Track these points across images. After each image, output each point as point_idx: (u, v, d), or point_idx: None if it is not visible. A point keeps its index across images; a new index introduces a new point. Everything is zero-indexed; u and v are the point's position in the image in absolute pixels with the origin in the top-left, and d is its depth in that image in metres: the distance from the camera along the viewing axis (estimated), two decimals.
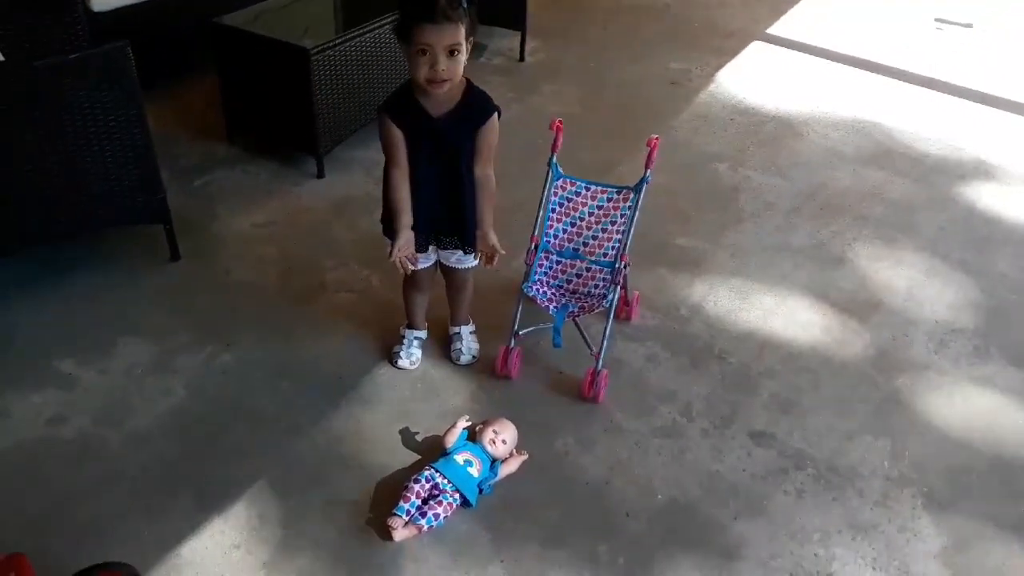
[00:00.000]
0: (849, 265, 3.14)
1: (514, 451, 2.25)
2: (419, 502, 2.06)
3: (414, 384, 2.52)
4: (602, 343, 2.44)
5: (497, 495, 2.18)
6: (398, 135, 2.12)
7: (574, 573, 2.00)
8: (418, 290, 2.52)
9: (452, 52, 1.96)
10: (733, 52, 4.97)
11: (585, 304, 2.48)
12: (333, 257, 3.03)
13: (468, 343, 2.59)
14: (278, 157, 3.60)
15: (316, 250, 3.08)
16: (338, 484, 2.19)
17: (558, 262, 2.57)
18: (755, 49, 5.06)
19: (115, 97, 2.58)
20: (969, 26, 5.56)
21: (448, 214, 2.25)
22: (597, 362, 2.45)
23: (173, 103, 3.92)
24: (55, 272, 2.86)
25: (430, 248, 2.34)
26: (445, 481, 2.10)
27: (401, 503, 2.04)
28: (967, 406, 2.54)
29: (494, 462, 2.20)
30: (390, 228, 2.23)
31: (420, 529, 2.03)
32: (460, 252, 2.34)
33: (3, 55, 2.78)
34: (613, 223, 2.54)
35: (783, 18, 5.55)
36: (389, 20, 3.47)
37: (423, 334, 2.61)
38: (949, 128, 4.19)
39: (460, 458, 2.15)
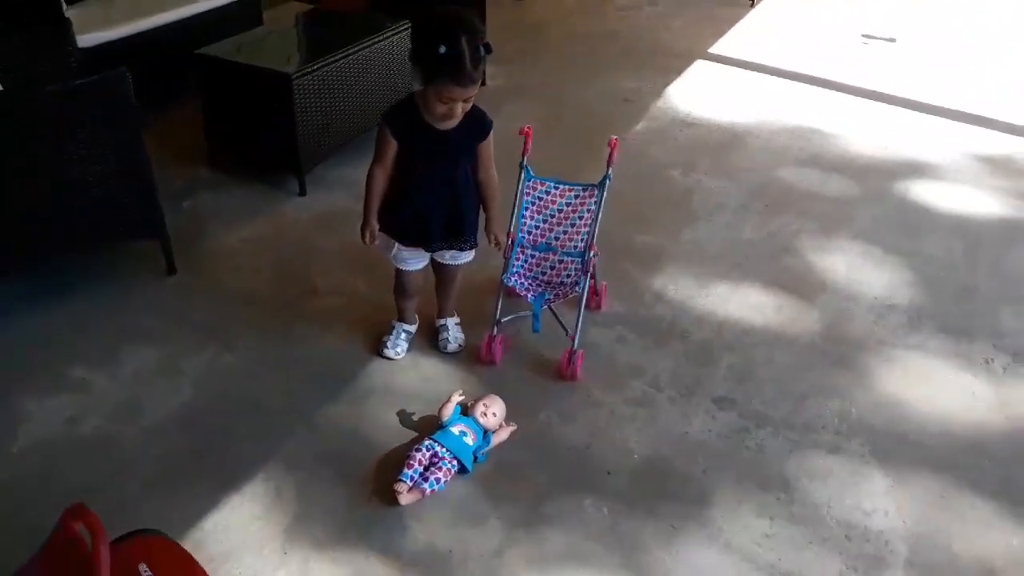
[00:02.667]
0: (795, 253, 3.44)
1: (503, 423, 2.48)
2: (421, 469, 2.27)
3: (406, 373, 2.73)
4: (576, 326, 2.69)
5: (490, 462, 2.40)
6: (393, 145, 2.37)
7: (563, 524, 2.23)
8: (410, 295, 2.73)
9: (468, 99, 2.25)
10: (679, 70, 5.32)
11: (559, 292, 2.73)
12: (320, 265, 3.25)
13: (454, 333, 2.82)
14: (261, 178, 3.81)
15: (304, 260, 3.29)
16: (344, 460, 2.40)
17: (533, 255, 2.82)
18: (700, 67, 5.41)
19: (115, 120, 2.79)
20: (893, 40, 6.01)
21: (446, 217, 2.49)
22: (573, 343, 2.69)
23: (156, 131, 4.09)
24: (60, 287, 3.03)
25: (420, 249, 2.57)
26: (443, 450, 2.32)
27: (405, 470, 2.25)
28: (904, 368, 2.83)
29: (486, 433, 2.42)
30: (386, 225, 2.49)
31: (423, 493, 2.24)
32: (455, 250, 2.58)
33: (2, 85, 2.98)
34: (581, 218, 2.80)
35: (724, 38, 5.94)
36: (366, 45, 3.74)
37: (412, 328, 2.83)
38: (879, 131, 4.56)
39: (456, 429, 2.37)
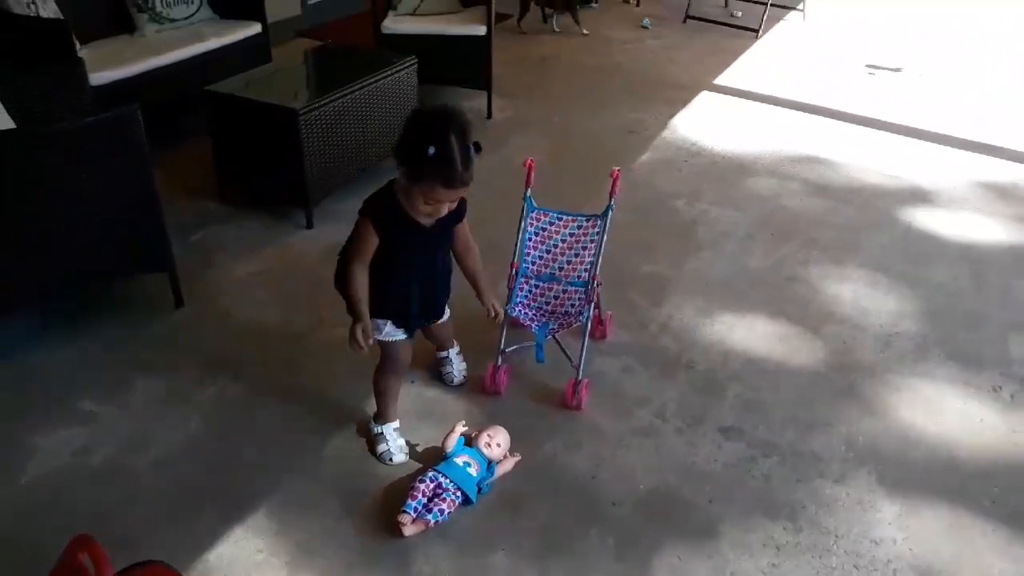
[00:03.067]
0: (800, 282, 3.44)
1: (508, 453, 2.48)
2: (425, 500, 2.27)
3: (412, 404, 2.73)
4: (580, 355, 2.70)
5: (494, 493, 2.40)
6: (375, 241, 2.19)
7: (568, 555, 2.21)
8: (399, 372, 2.50)
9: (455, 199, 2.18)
10: (684, 102, 5.37)
11: (564, 321, 2.74)
12: (327, 297, 3.22)
13: (457, 365, 2.82)
14: (269, 212, 3.85)
15: (311, 292, 3.31)
16: (350, 492, 2.40)
17: (537, 286, 2.84)
18: (704, 98, 5.46)
19: (126, 156, 2.84)
20: (898, 70, 6.05)
21: (425, 300, 2.42)
22: (578, 372, 2.69)
23: (165, 166, 4.15)
24: (69, 320, 3.06)
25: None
26: (447, 480, 2.31)
27: (409, 501, 2.24)
28: (912, 396, 2.82)
29: (490, 463, 2.42)
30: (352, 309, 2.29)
31: (427, 524, 2.23)
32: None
33: (14, 121, 3.03)
34: (584, 248, 2.82)
35: (728, 70, 6.00)
36: (372, 81, 3.80)
37: (397, 423, 2.57)
38: (884, 160, 4.58)
39: (460, 460, 2.37)
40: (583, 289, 2.78)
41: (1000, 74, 6.05)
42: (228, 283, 3.37)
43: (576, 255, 2.84)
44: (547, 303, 2.83)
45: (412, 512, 2.23)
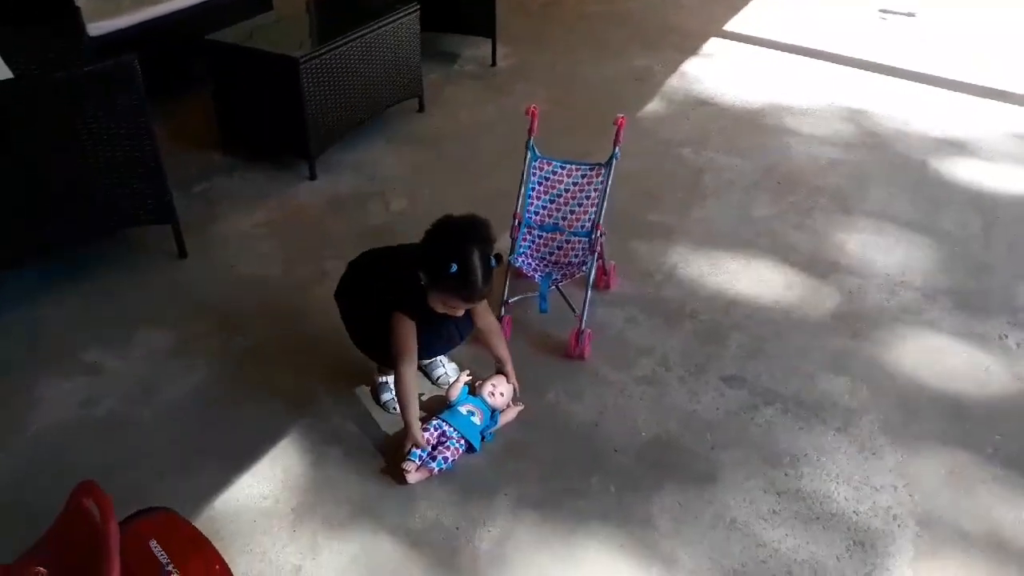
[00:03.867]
0: (807, 230, 3.41)
1: (511, 402, 2.49)
2: (429, 448, 2.28)
3: None
4: (583, 305, 2.69)
5: (498, 441, 2.41)
6: (414, 331, 2.24)
7: (569, 501, 2.23)
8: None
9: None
10: (693, 49, 5.27)
11: (567, 272, 2.73)
12: (331, 248, 3.26)
13: (448, 366, 2.69)
14: (272, 163, 3.83)
15: (314, 243, 3.31)
16: (353, 441, 2.42)
17: (540, 236, 2.82)
18: (713, 45, 5.36)
19: (124, 106, 2.81)
20: (912, 15, 5.91)
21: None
22: (580, 322, 2.69)
23: (167, 119, 4.14)
24: (73, 272, 3.07)
25: None
26: (451, 429, 2.33)
27: (413, 449, 2.26)
28: (917, 345, 2.81)
29: (494, 412, 2.43)
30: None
31: (431, 472, 2.26)
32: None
33: (12, 72, 3.01)
34: (588, 197, 2.80)
35: (738, 15, 5.87)
36: (374, 28, 3.74)
37: None
38: (894, 107, 4.50)
39: (463, 409, 2.39)
40: (587, 239, 2.76)
41: (1014, 18, 5.90)
42: (231, 235, 3.36)
43: (579, 204, 2.81)
44: (550, 253, 2.82)
45: (416, 460, 2.25)
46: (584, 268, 2.70)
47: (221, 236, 3.35)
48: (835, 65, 5.07)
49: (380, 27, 3.78)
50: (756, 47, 5.35)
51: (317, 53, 3.48)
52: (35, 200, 2.77)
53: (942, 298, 3.02)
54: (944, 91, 4.73)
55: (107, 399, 2.57)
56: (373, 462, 2.34)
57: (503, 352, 2.50)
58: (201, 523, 2.12)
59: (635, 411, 2.52)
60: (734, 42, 5.43)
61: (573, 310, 2.74)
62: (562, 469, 2.32)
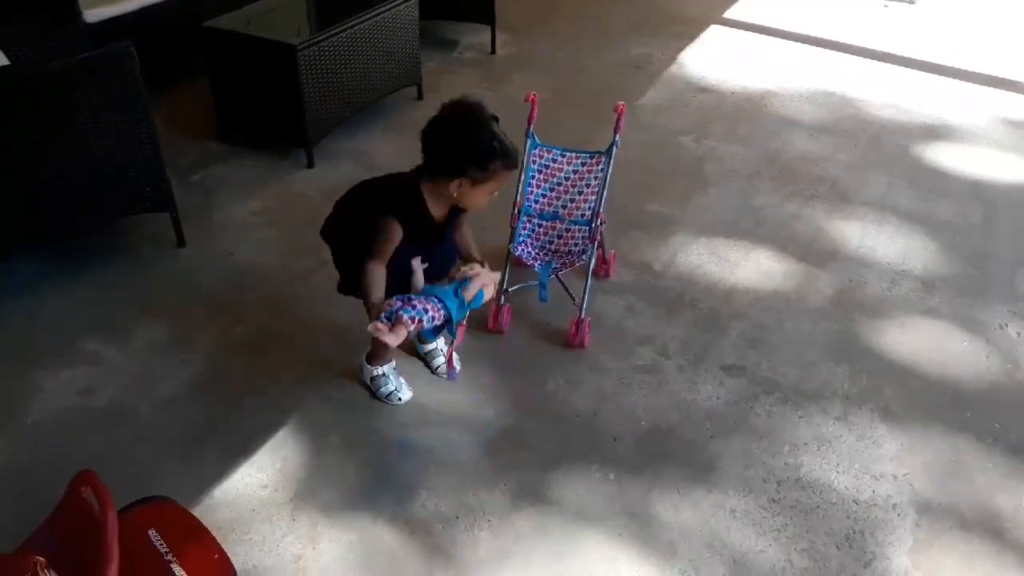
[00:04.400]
0: (807, 219, 3.40)
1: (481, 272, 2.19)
2: (396, 308, 2.01)
3: (414, 344, 2.73)
4: (583, 294, 2.68)
5: (495, 429, 2.41)
6: (398, 240, 2.16)
7: (569, 489, 2.23)
8: None
9: None
10: (692, 36, 5.24)
11: (567, 260, 2.72)
12: None
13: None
14: (270, 151, 3.81)
15: (313, 232, 3.23)
16: (352, 430, 2.41)
17: (540, 224, 2.81)
18: (713, 32, 5.34)
19: (122, 94, 2.79)
20: (912, 3, 5.88)
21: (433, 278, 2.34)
22: (580, 311, 2.68)
23: (164, 106, 4.11)
24: (72, 261, 3.06)
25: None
26: (422, 295, 2.09)
27: (381, 316, 2.01)
28: (917, 333, 2.80)
29: (468, 282, 2.14)
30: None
31: (407, 324, 1.98)
32: None
33: (8, 59, 2.99)
34: (588, 186, 2.78)
35: (738, 3, 5.84)
36: (373, 15, 3.72)
37: (394, 362, 2.55)
38: (896, 96, 4.48)
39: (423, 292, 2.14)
40: (587, 228, 2.75)
41: (1017, 7, 5.87)
42: (229, 223, 3.35)
43: (579, 193, 2.80)
44: (550, 242, 2.80)
45: (385, 320, 2.00)
46: (584, 257, 2.69)
47: (219, 225, 3.34)
48: (836, 53, 5.05)
49: (379, 14, 3.76)
50: (757, 35, 5.32)
51: (315, 40, 3.46)
52: (32, 189, 2.75)
53: (942, 287, 3.01)
54: (945, 79, 4.72)
55: (106, 388, 2.56)
56: (372, 450, 2.34)
57: (476, 255, 2.32)
58: (200, 512, 2.12)
59: (634, 400, 2.52)
60: (734, 30, 5.41)
61: (573, 299, 2.73)
62: (561, 458, 2.32)
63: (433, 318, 2.05)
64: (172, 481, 2.22)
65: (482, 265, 2.21)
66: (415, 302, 2.04)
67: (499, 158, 2.12)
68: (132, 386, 2.57)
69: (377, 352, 2.51)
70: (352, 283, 2.29)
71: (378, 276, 2.13)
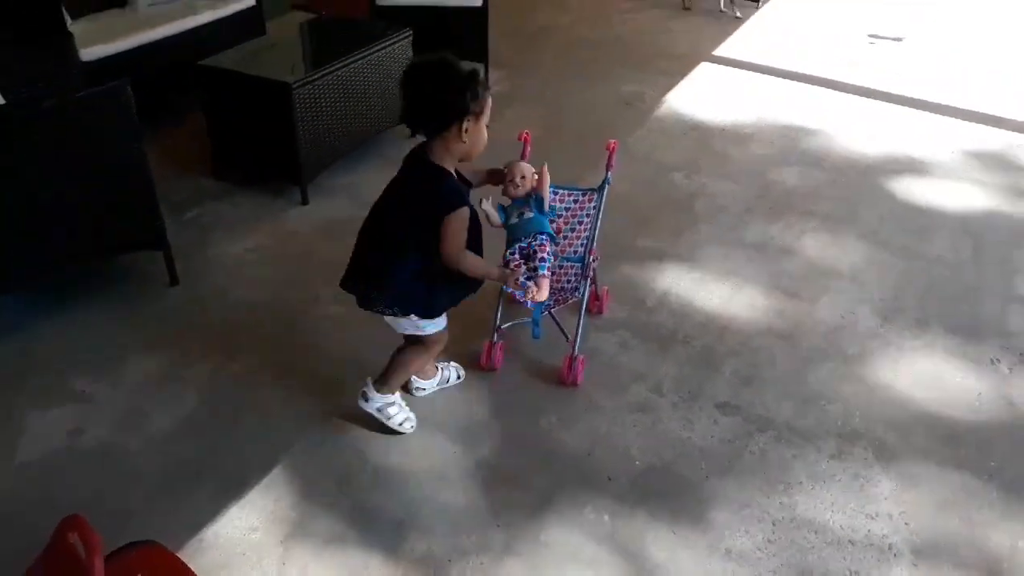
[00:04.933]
0: (798, 255, 3.42)
1: (535, 175, 2.47)
2: (523, 272, 2.35)
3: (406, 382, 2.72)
4: (576, 331, 2.68)
5: (488, 468, 2.40)
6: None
7: (564, 531, 2.21)
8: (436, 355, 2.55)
9: None
10: (682, 73, 5.30)
11: (559, 297, 2.72)
12: (323, 274, 3.23)
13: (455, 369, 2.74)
14: (264, 188, 3.82)
15: (307, 269, 3.29)
16: (344, 470, 2.39)
17: None
18: (703, 69, 5.40)
19: (116, 132, 2.82)
20: (899, 40, 5.97)
21: None
22: (573, 348, 2.68)
23: (159, 143, 4.12)
24: (63, 299, 3.05)
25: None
26: (526, 239, 2.41)
27: (515, 290, 2.34)
28: (911, 370, 2.80)
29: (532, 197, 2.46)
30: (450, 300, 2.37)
31: (545, 276, 2.36)
32: None
33: (3, 98, 3.00)
34: (581, 223, 2.79)
35: (728, 40, 5.92)
36: (367, 53, 3.75)
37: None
38: (885, 131, 4.53)
39: (515, 217, 2.46)
40: (579, 264, 2.76)
41: (1001, 43, 5.96)
42: (223, 261, 3.35)
43: (572, 229, 2.81)
44: None
45: (522, 292, 2.32)
46: (577, 294, 2.70)
47: (213, 262, 3.34)
48: (825, 89, 5.11)
49: (373, 52, 3.80)
50: (746, 72, 5.39)
51: (310, 78, 3.49)
52: (25, 226, 2.75)
53: (934, 322, 3.02)
54: (931, 115, 4.77)
55: (96, 428, 2.54)
56: (365, 491, 2.32)
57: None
58: (189, 555, 2.10)
59: (629, 438, 2.51)
60: (724, 67, 5.47)
61: (566, 336, 2.73)
62: (555, 498, 2.31)
63: (553, 254, 2.38)
64: (161, 523, 2.20)
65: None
66: (528, 251, 2.36)
67: (480, 81, 2.15)
68: (122, 425, 2.55)
69: (394, 383, 2.46)
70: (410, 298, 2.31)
71: (477, 257, 2.27)
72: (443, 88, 2.10)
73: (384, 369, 2.47)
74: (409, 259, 2.23)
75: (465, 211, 2.16)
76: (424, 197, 2.18)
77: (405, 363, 2.46)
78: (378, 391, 2.46)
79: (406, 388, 2.62)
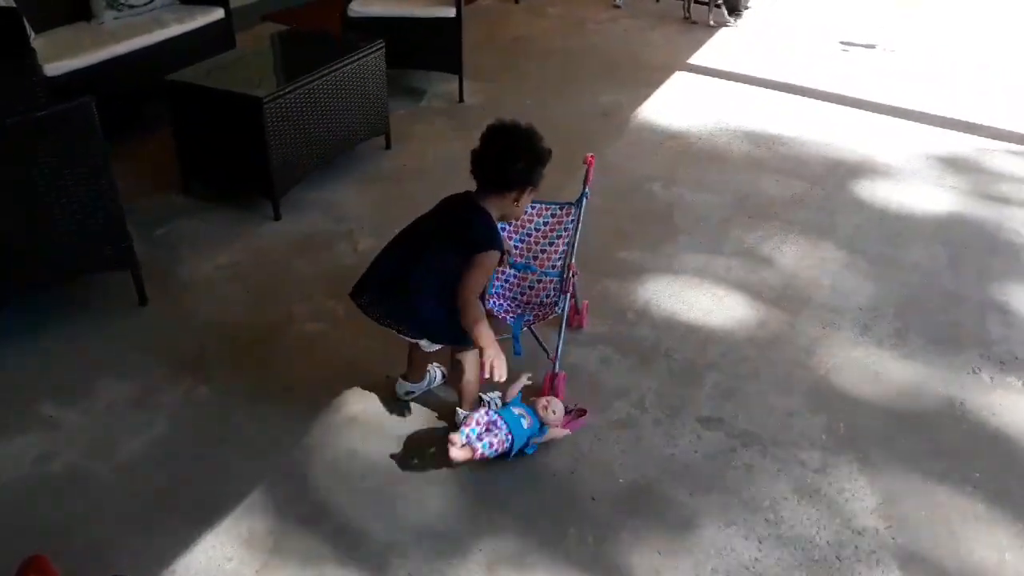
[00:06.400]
0: (778, 265, 3.40)
1: (560, 425, 2.46)
2: (479, 430, 2.30)
3: (387, 402, 2.66)
4: (557, 347, 2.64)
5: (470, 490, 2.34)
6: None
7: (547, 555, 2.16)
8: None
9: None
10: (658, 83, 5.30)
11: (539, 312, 2.68)
12: (298, 292, 3.18)
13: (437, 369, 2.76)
14: (235, 203, 3.75)
15: (280, 286, 3.23)
16: (320, 495, 2.33)
17: (512, 276, 2.77)
18: (679, 79, 5.40)
19: (81, 150, 2.74)
20: (872, 47, 6.01)
21: None
22: (554, 365, 2.64)
23: (127, 159, 4.03)
24: (29, 321, 2.96)
25: None
26: (502, 422, 2.34)
27: (463, 428, 2.31)
28: (893, 380, 2.79)
29: (542, 425, 2.42)
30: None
31: (474, 452, 2.28)
32: None
33: None
34: (559, 237, 2.76)
35: (702, 49, 5.93)
36: (339, 66, 3.70)
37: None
38: (860, 138, 4.54)
39: (516, 411, 2.40)
40: (558, 279, 2.72)
41: (973, 49, 6.03)
42: (194, 279, 3.27)
43: (551, 244, 2.77)
44: (522, 293, 2.77)
45: (465, 438, 2.28)
46: (557, 309, 2.66)
47: (184, 281, 3.26)
48: (799, 97, 5.12)
49: (345, 65, 3.74)
50: (722, 80, 5.39)
51: (281, 92, 3.43)
52: None
53: (914, 332, 3.02)
54: (906, 121, 4.80)
55: (64, 454, 2.46)
56: (342, 517, 2.26)
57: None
58: None
59: (611, 456, 2.47)
60: (700, 76, 5.47)
61: (546, 352, 2.69)
62: (538, 521, 2.26)
63: (496, 452, 2.32)
64: (132, 554, 2.13)
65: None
66: (493, 436, 2.31)
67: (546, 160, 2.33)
68: (91, 451, 2.47)
69: (474, 401, 2.54)
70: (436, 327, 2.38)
71: (483, 312, 2.26)
72: (526, 156, 2.30)
73: (459, 397, 2.55)
74: (435, 288, 2.28)
75: (497, 255, 2.28)
76: (468, 224, 2.29)
77: (469, 378, 2.50)
78: (466, 411, 2.50)
79: (395, 395, 2.66)
